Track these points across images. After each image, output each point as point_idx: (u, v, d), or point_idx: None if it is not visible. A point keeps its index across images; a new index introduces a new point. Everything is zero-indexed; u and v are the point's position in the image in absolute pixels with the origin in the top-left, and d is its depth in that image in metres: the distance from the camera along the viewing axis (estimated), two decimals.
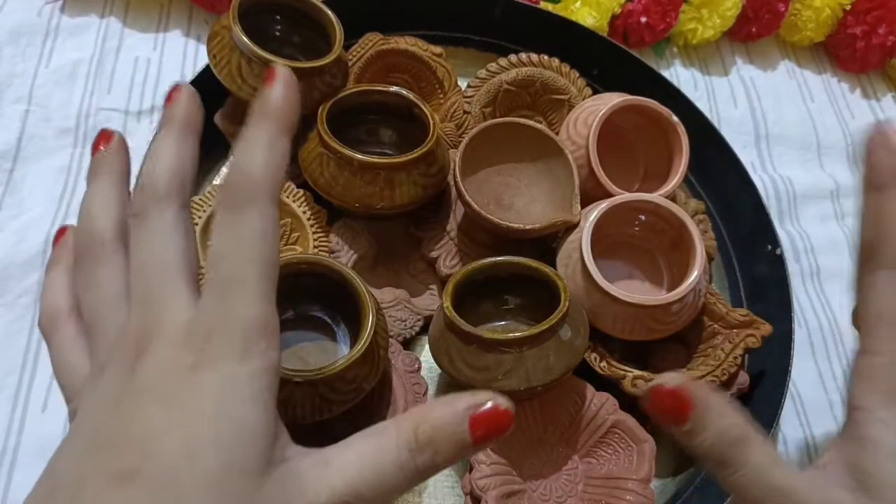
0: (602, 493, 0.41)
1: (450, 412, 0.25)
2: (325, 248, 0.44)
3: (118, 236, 0.29)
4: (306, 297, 0.40)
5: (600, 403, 0.42)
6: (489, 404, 0.25)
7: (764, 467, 0.27)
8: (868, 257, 0.30)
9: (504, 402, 0.25)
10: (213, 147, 0.48)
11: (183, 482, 0.23)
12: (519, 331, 0.37)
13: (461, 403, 0.25)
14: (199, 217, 0.43)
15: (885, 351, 0.29)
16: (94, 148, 0.30)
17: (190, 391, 0.24)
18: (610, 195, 0.44)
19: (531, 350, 0.37)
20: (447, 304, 0.39)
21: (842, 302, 0.55)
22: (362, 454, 0.25)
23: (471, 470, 0.39)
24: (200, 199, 0.44)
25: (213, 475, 0.23)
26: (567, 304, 0.38)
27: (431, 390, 0.44)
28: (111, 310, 0.27)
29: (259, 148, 0.26)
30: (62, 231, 0.31)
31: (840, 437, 0.29)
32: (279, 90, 0.28)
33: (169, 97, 0.29)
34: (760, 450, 0.27)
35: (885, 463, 0.27)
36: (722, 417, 0.27)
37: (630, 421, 0.41)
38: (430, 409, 0.26)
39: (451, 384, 0.44)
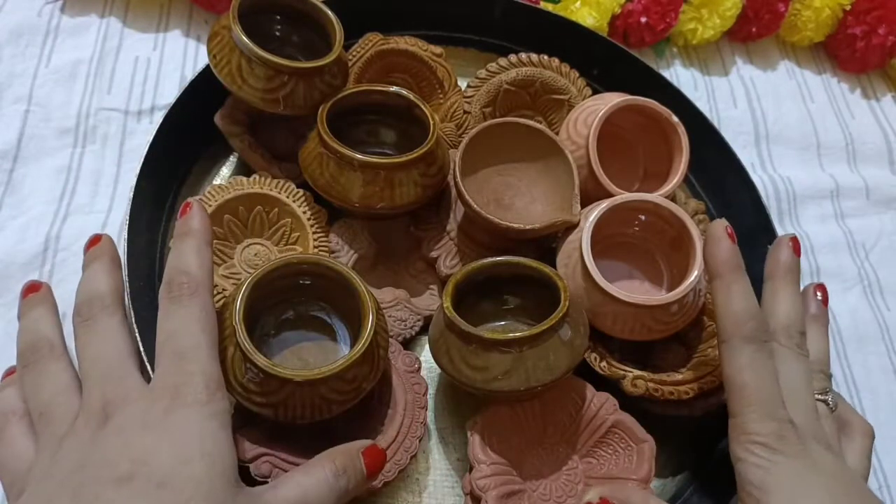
0: None
1: (354, 448, 0.34)
2: (325, 248, 0.44)
3: (62, 343, 0.35)
4: (306, 297, 0.40)
5: (600, 403, 0.42)
6: (371, 445, 0.35)
7: None
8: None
9: (380, 445, 0.36)
10: (212, 147, 0.48)
11: (178, 482, 0.27)
12: (519, 331, 0.37)
13: (359, 444, 0.35)
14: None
15: (737, 412, 0.35)
16: (23, 294, 0.36)
17: (169, 422, 0.29)
18: (610, 195, 0.44)
19: (531, 350, 0.37)
20: (447, 304, 0.39)
21: (841, 302, 0.55)
22: (301, 480, 0.32)
23: (471, 470, 0.39)
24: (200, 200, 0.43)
25: (204, 478, 0.28)
26: (567, 304, 0.38)
27: (431, 390, 0.44)
28: (63, 398, 0.32)
29: (191, 254, 0.34)
30: (11, 370, 0.35)
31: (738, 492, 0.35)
32: (196, 215, 0.35)
33: (90, 243, 0.37)
34: None
35: (770, 500, 0.33)
36: None
37: (630, 421, 0.41)
38: (345, 447, 0.34)
39: (451, 384, 0.44)
